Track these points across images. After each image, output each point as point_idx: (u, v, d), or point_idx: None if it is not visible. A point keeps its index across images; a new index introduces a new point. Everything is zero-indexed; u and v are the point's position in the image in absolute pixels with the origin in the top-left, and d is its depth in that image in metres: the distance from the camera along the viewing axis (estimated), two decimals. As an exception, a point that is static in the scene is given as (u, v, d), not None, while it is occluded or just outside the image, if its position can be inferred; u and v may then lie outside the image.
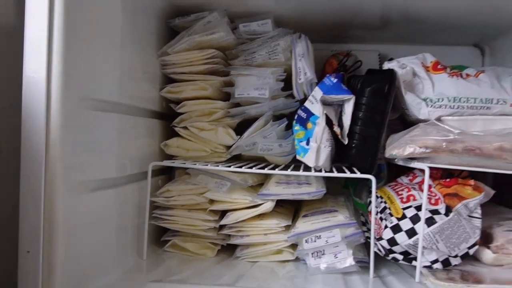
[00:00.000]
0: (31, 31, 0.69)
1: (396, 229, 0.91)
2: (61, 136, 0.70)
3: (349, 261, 0.94)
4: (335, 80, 1.02)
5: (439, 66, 1.06)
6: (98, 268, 0.83)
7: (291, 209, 1.14)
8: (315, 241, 0.96)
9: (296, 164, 1.09)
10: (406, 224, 0.91)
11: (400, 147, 0.94)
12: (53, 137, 0.69)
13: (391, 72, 1.02)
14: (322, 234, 0.96)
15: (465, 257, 0.91)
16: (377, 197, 1.01)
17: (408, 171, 1.07)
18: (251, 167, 1.00)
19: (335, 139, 1.03)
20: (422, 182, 0.96)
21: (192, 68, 1.08)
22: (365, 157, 1.01)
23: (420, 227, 0.88)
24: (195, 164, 1.02)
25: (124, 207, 0.94)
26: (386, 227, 0.93)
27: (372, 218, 0.96)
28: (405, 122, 1.12)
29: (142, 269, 0.95)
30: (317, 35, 1.24)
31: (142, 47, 1.03)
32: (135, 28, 0.97)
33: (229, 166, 1.00)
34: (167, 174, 1.17)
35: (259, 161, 1.12)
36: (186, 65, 1.08)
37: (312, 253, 0.97)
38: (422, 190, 0.93)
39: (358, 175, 0.97)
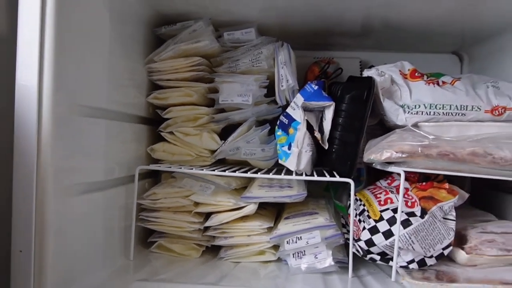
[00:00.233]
0: (23, 40, 0.71)
1: (373, 230, 0.94)
2: (52, 141, 0.72)
3: (329, 261, 0.97)
4: (316, 87, 1.05)
5: (416, 74, 1.09)
6: (87, 267, 0.85)
7: (273, 211, 1.16)
8: (296, 242, 0.99)
9: (279, 168, 1.11)
10: (383, 226, 0.93)
11: (377, 152, 0.97)
12: (44, 142, 0.71)
13: (370, 79, 1.05)
14: (303, 235, 0.99)
15: (440, 257, 0.93)
16: (356, 200, 1.04)
17: (387, 175, 1.10)
18: (234, 171, 1.02)
19: (316, 144, 1.06)
20: (400, 185, 0.99)
21: (178, 75, 1.09)
22: (345, 161, 1.04)
23: (396, 228, 0.91)
24: (181, 168, 1.04)
25: (111, 209, 0.96)
26: (364, 228, 0.95)
27: (351, 220, 0.98)
28: (385, 127, 1.14)
29: (129, 269, 0.97)
30: (300, 43, 1.28)
31: (129, 55, 1.04)
32: (122, 37, 0.99)
33: (213, 170, 1.02)
34: (153, 178, 1.19)
35: (243, 165, 1.14)
36: (172, 72, 1.10)
37: (293, 254, 1.00)
38: (399, 193, 0.96)
39: (338, 178, 1.00)
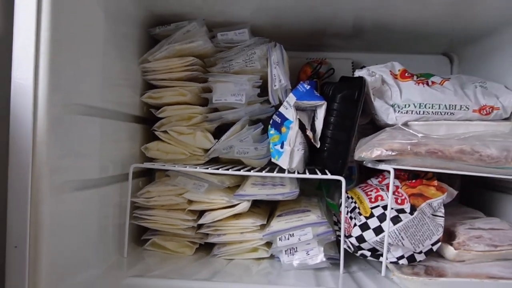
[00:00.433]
0: (19, 40, 0.72)
1: (364, 227, 0.95)
2: (47, 138, 0.73)
3: (320, 258, 0.99)
4: (308, 87, 1.07)
5: (406, 74, 1.12)
6: (81, 263, 0.86)
7: (266, 209, 1.17)
8: (288, 239, 1.00)
9: (272, 166, 1.13)
10: (373, 222, 0.95)
11: (368, 150, 0.98)
12: (40, 139, 0.72)
13: (361, 79, 1.07)
14: (295, 232, 1.00)
15: (429, 253, 0.95)
16: (348, 197, 1.05)
17: (378, 173, 1.12)
18: (227, 169, 1.04)
19: (309, 143, 1.08)
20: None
21: (172, 75, 1.11)
22: (336, 159, 1.06)
23: (386, 225, 0.92)
24: (175, 166, 1.05)
25: (106, 207, 0.97)
26: (355, 225, 0.97)
27: (342, 216, 1.00)
28: (376, 126, 1.16)
29: (123, 266, 0.98)
30: (292, 44, 1.28)
31: (124, 55, 1.05)
32: (117, 37, 1.00)
33: (207, 168, 1.03)
34: (147, 176, 1.20)
35: (236, 163, 1.16)
36: (166, 72, 1.11)
37: (285, 250, 1.02)
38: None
39: (329, 176, 1.01)
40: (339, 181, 0.99)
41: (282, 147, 1.06)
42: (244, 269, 1.00)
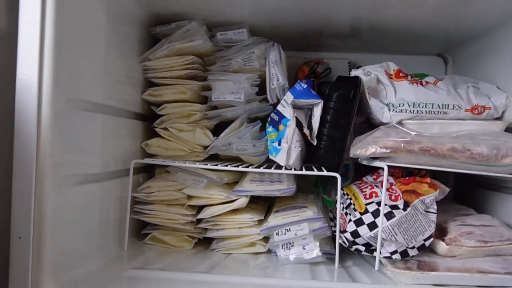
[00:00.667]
0: (24, 37, 0.74)
1: (359, 222, 0.97)
2: (51, 133, 0.75)
3: (316, 252, 1.01)
4: (305, 86, 1.09)
5: (401, 74, 1.14)
6: (83, 255, 0.88)
7: (264, 205, 1.19)
8: (285, 234, 1.02)
9: (270, 164, 1.14)
10: (368, 218, 0.97)
11: (363, 147, 1.00)
12: (44, 134, 0.74)
13: (357, 79, 1.09)
14: (292, 227, 1.02)
15: (422, 248, 0.96)
16: (343, 194, 1.07)
17: (373, 171, 1.14)
18: (226, 166, 1.05)
19: (305, 141, 1.10)
20: (384, 180, 1.03)
21: (172, 73, 1.12)
22: (332, 156, 1.08)
23: (380, 220, 0.95)
24: (175, 162, 1.07)
25: (107, 201, 0.99)
26: (350, 220, 0.99)
27: (338, 212, 1.02)
28: (371, 125, 1.18)
29: (123, 259, 1.00)
30: (290, 44, 1.31)
31: (125, 53, 1.07)
32: (118, 35, 1.02)
33: (206, 164, 1.05)
34: (147, 172, 1.22)
35: (235, 160, 1.17)
36: (167, 70, 1.12)
37: (282, 245, 1.04)
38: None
39: (325, 172, 1.04)
40: (335, 178, 1.01)
41: (279, 144, 1.08)
42: (242, 263, 1.03)
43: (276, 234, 1.03)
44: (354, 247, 1.01)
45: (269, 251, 1.10)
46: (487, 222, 1.02)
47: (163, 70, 1.13)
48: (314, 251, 1.01)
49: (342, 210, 1.04)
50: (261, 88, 1.18)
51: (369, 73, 1.11)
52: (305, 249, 1.02)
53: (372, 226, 0.96)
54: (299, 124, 1.07)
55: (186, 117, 1.13)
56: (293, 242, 1.03)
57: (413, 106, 1.07)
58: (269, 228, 1.04)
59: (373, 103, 1.10)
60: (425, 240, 0.96)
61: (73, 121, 0.83)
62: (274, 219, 1.06)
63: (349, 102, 1.07)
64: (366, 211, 0.98)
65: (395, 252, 0.97)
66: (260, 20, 1.18)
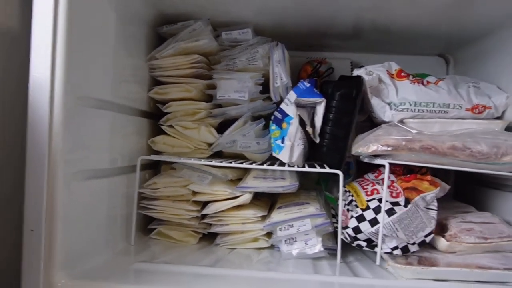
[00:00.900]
0: (37, 37, 0.76)
1: (360, 218, 0.99)
2: (63, 130, 0.77)
3: (318, 247, 1.03)
4: (308, 85, 1.10)
5: (402, 74, 1.15)
6: (91, 248, 0.90)
7: (267, 202, 1.21)
8: (288, 230, 1.04)
9: (273, 161, 1.15)
10: (369, 214, 0.98)
11: (364, 145, 1.02)
12: (56, 131, 0.76)
13: (359, 78, 1.11)
14: (295, 223, 1.04)
15: (422, 244, 0.97)
16: (345, 191, 1.09)
17: (374, 169, 1.14)
18: (230, 163, 1.07)
19: (308, 139, 1.11)
20: (386, 177, 1.04)
21: (178, 72, 1.14)
22: (335, 154, 1.10)
23: (381, 216, 0.96)
24: (180, 159, 1.09)
25: (114, 197, 1.01)
26: (352, 217, 1.00)
27: (340, 208, 1.03)
28: (373, 123, 1.18)
29: (130, 252, 1.02)
30: (294, 44, 1.32)
31: (133, 52, 1.09)
32: (126, 35, 1.03)
33: (211, 161, 1.06)
34: (153, 169, 1.23)
35: (239, 158, 1.18)
36: (173, 69, 1.14)
37: (285, 240, 1.05)
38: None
39: (327, 170, 1.05)
40: (337, 176, 1.02)
41: (282, 142, 1.09)
42: (245, 258, 1.04)
43: (279, 230, 1.05)
44: (356, 242, 1.02)
45: (272, 246, 1.11)
46: (487, 219, 1.03)
47: (169, 69, 1.14)
48: (316, 246, 1.03)
49: (344, 206, 1.05)
50: (265, 86, 1.19)
51: (371, 72, 1.13)
52: (307, 244, 1.04)
53: (374, 222, 0.97)
54: (302, 122, 1.09)
55: (191, 115, 1.14)
56: (295, 238, 1.05)
57: (415, 105, 1.09)
58: (272, 224, 1.06)
59: (375, 102, 1.12)
60: (425, 236, 0.97)
61: (83, 118, 0.85)
62: (277, 215, 1.07)
63: (351, 101, 1.09)
64: (368, 207, 1.00)
65: (396, 247, 0.98)
66: (264, 20, 1.20)
